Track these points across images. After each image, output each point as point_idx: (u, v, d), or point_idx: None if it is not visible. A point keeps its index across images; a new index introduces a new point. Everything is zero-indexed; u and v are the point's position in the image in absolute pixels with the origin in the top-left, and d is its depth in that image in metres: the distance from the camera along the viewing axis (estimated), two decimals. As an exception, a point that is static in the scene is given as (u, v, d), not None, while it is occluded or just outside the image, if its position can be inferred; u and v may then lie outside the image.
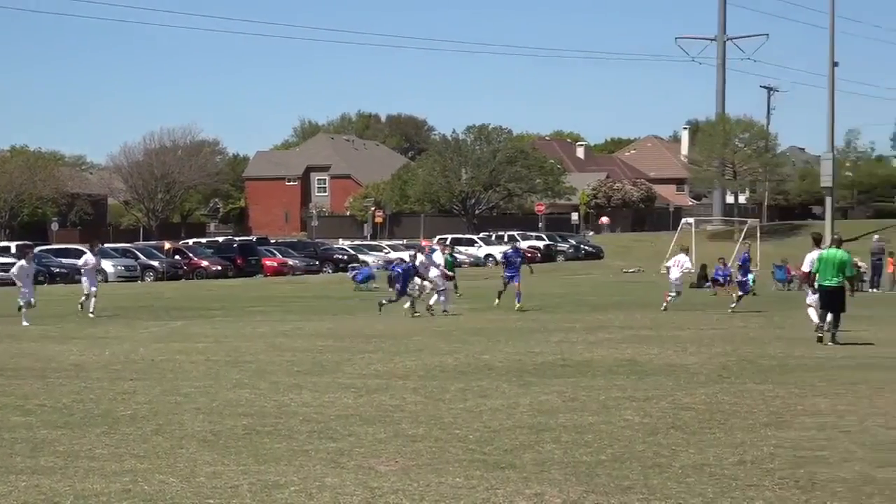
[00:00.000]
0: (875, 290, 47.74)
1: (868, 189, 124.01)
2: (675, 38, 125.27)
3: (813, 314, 26.14)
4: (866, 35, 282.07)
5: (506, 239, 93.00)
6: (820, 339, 24.47)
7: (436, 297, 35.61)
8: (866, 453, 12.43)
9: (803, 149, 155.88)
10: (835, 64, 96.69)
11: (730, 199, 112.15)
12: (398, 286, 35.10)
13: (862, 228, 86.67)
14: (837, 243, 25.69)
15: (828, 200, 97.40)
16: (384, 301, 35.51)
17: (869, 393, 17.02)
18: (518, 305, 36.07)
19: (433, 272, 36.04)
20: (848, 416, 14.95)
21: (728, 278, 46.70)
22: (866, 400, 16.33)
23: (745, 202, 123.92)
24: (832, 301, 24.83)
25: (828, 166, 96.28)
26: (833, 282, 24.79)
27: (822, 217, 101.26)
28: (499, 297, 37.58)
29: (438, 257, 37.16)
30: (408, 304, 35.20)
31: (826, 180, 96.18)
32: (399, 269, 35.72)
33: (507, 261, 38.21)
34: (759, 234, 76.86)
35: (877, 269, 49.76)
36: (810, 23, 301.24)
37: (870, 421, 14.47)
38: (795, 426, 14.23)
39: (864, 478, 11.27)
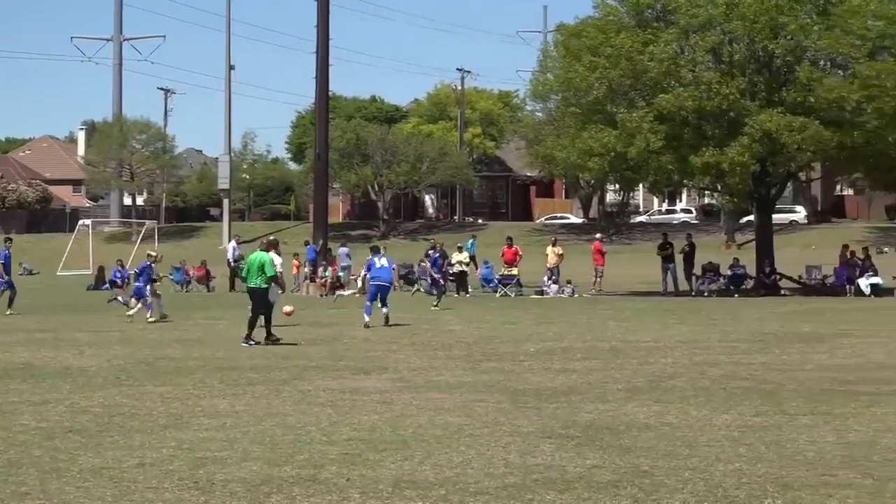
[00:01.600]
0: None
1: (264, 191, 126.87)
2: (72, 38, 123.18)
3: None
4: (261, 39, 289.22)
5: None
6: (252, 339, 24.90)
7: None
8: (264, 452, 12.52)
9: (201, 150, 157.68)
10: (231, 67, 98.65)
11: (128, 200, 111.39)
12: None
13: (259, 230, 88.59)
14: (267, 246, 26.31)
15: (225, 202, 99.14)
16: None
17: (267, 393, 17.23)
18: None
19: None
20: (246, 416, 15.05)
21: (126, 280, 46.26)
22: (264, 400, 16.51)
23: (143, 204, 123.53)
24: (256, 301, 25.31)
25: (225, 168, 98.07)
26: (256, 283, 25.28)
27: (220, 218, 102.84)
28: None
29: None
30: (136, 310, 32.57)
31: (223, 182, 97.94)
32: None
33: None
34: (157, 236, 76.76)
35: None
36: (209, 26, 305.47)
37: (267, 421, 14.61)
38: (195, 427, 14.16)
39: (261, 477, 11.32)
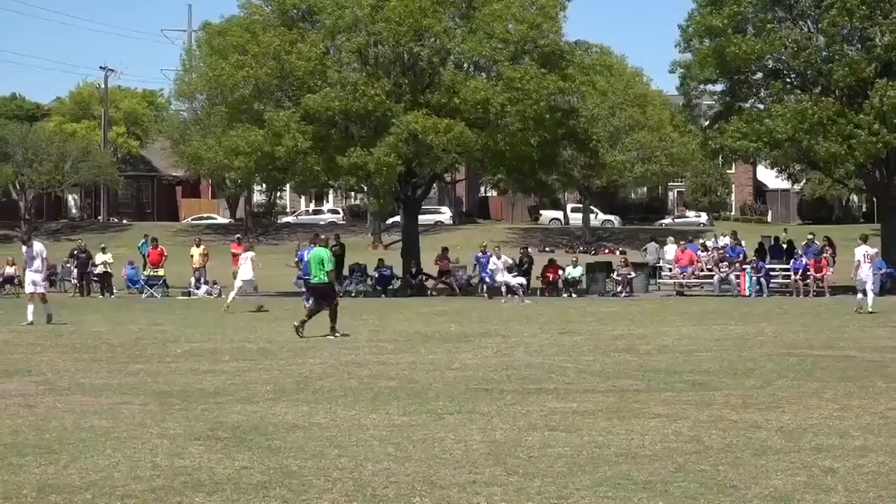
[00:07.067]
0: None
1: None
2: None
3: None
4: None
5: None
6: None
7: None
8: None
9: None
10: None
11: None
12: None
13: None
14: (324, 242, 28.13)
15: None
16: None
17: None
18: None
19: None
20: None
21: None
22: None
23: None
24: (324, 295, 26.57)
25: None
26: (319, 277, 26.37)
27: None
28: None
29: None
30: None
31: None
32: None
33: None
34: None
35: None
36: None
37: None
38: None
39: None
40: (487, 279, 43.61)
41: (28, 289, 30.40)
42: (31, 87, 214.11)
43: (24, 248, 31.57)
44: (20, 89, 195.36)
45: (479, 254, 46.36)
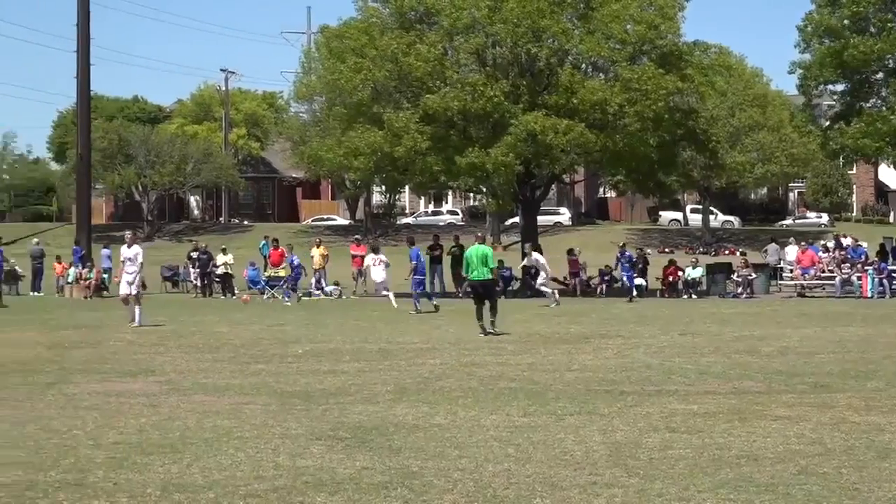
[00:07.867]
0: (36, 294, 47.95)
1: (25, 192, 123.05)
2: None
3: None
4: (17, 37, 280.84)
5: None
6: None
7: None
8: (28, 457, 12.21)
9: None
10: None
11: None
12: None
13: (20, 231, 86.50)
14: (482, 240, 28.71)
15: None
16: None
17: (31, 397, 16.79)
18: None
19: None
20: (9, 420, 14.59)
21: None
22: (28, 404, 16.11)
23: None
24: (489, 293, 27.39)
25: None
26: (482, 274, 27.05)
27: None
28: None
29: None
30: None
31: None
32: None
33: None
34: None
35: (37, 272, 49.91)
36: None
37: (31, 426, 14.25)
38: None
39: (26, 482, 11.07)
40: (626, 278, 44.44)
41: (126, 290, 30.62)
42: (153, 89, 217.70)
43: (123, 247, 31.33)
44: (142, 92, 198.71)
45: (619, 253, 46.60)
